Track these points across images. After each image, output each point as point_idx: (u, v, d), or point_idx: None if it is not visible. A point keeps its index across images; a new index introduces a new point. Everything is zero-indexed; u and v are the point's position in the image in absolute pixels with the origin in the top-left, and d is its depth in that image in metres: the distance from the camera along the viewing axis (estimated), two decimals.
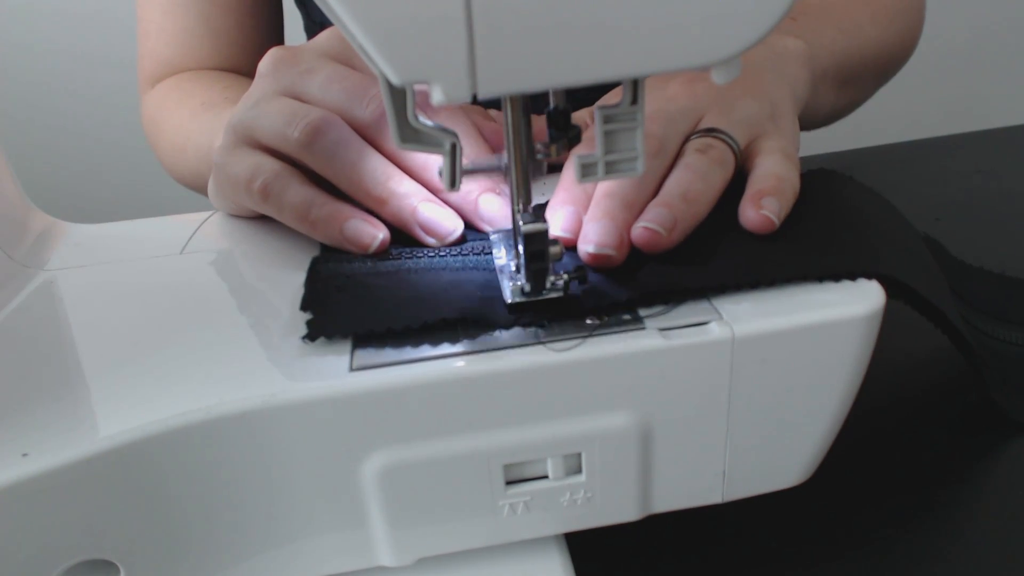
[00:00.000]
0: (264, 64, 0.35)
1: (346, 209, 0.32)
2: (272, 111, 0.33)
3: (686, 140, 0.34)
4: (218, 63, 0.63)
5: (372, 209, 0.33)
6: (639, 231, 0.29)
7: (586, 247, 0.29)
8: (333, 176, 0.32)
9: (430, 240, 0.32)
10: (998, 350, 0.41)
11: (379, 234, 0.32)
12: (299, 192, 0.32)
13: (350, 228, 0.32)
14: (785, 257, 0.29)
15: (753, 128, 0.35)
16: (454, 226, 0.32)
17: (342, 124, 0.32)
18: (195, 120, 0.55)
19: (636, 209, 0.30)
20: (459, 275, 0.30)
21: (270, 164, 0.33)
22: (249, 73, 0.63)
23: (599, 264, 0.29)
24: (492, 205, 0.33)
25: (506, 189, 0.33)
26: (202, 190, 0.56)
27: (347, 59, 0.34)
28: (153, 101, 0.62)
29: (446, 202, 0.33)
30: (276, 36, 0.67)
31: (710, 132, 0.34)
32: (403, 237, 0.33)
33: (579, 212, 0.31)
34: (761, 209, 0.30)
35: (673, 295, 0.28)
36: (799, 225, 0.31)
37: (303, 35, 0.76)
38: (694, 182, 0.31)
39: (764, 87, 0.37)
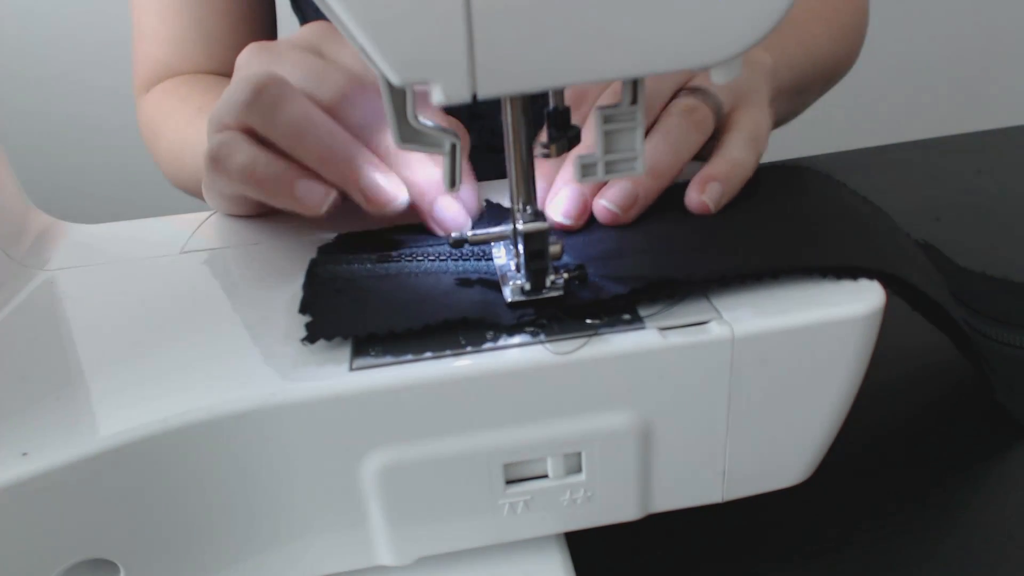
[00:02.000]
0: (240, 59, 0.35)
1: (294, 169, 0.32)
2: (231, 90, 0.33)
3: (675, 95, 0.34)
4: (212, 66, 0.63)
5: (315, 169, 0.32)
6: (600, 209, 0.32)
7: (552, 215, 0.31)
8: (277, 135, 0.32)
9: (369, 208, 0.32)
10: (1001, 353, 0.41)
11: (331, 193, 0.31)
12: (246, 152, 0.32)
13: (301, 187, 0.31)
14: (787, 251, 0.29)
15: (739, 95, 0.35)
16: (396, 193, 0.32)
17: (285, 83, 0.32)
18: (191, 126, 0.55)
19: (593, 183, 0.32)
20: (459, 278, 0.30)
21: (226, 134, 0.32)
22: None
23: (562, 229, 0.32)
24: (448, 210, 0.33)
25: (465, 194, 0.34)
26: (201, 194, 0.56)
27: (317, 49, 0.34)
28: (149, 106, 0.62)
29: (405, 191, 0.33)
30: (270, 39, 0.67)
31: (698, 91, 0.34)
32: (400, 242, 0.33)
33: (548, 188, 0.33)
34: (703, 194, 0.32)
35: (675, 287, 0.28)
36: (798, 220, 0.31)
37: None
38: (665, 154, 0.32)
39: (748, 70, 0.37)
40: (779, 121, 0.57)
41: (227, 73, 0.63)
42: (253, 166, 0.31)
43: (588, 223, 0.33)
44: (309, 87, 0.32)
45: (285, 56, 0.34)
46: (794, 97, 0.54)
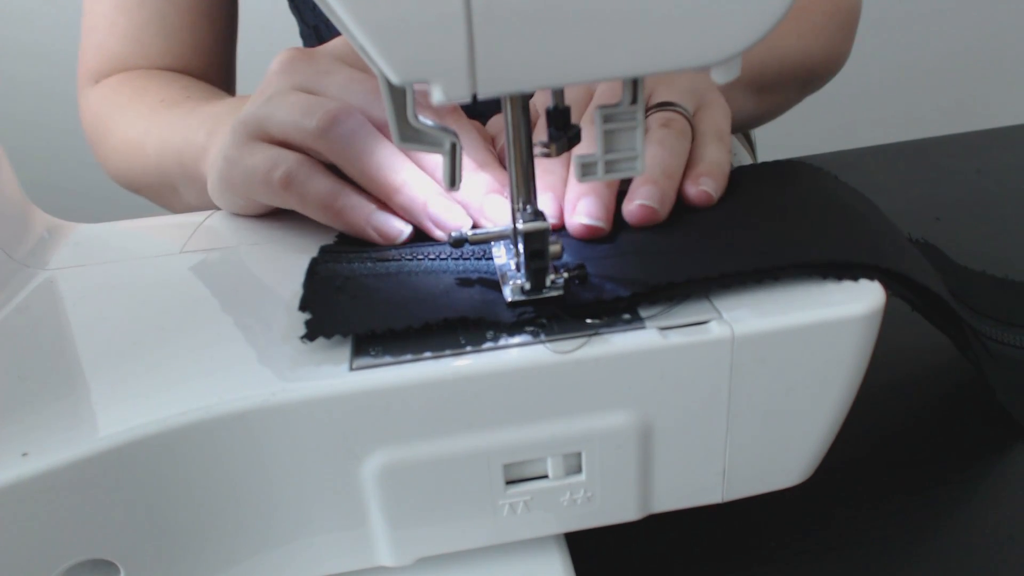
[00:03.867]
0: (277, 63, 0.35)
1: (372, 202, 0.33)
2: (288, 103, 0.33)
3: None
4: (169, 63, 0.61)
5: (383, 197, 0.33)
6: (636, 208, 0.32)
7: (579, 219, 0.31)
8: (346, 163, 0.33)
9: (438, 233, 0.33)
10: (1001, 353, 0.41)
11: (406, 229, 0.33)
12: (324, 182, 0.33)
13: (378, 219, 0.33)
14: (785, 249, 0.29)
15: (697, 96, 0.37)
16: (462, 221, 0.33)
17: (358, 114, 0.33)
18: (156, 116, 0.53)
19: (614, 185, 0.33)
20: (459, 277, 0.30)
21: (290, 154, 0.33)
22: (199, 74, 0.62)
23: (590, 235, 0.31)
24: (497, 208, 0.33)
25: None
26: (154, 188, 0.54)
27: (361, 64, 0.35)
28: (99, 97, 0.60)
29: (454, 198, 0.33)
30: (229, 40, 0.66)
31: (665, 106, 0.35)
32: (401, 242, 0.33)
33: (558, 198, 0.33)
34: (700, 186, 0.33)
35: (675, 288, 0.28)
36: (795, 217, 0.31)
37: (299, 40, 0.76)
38: (668, 158, 0.33)
39: None
40: (749, 120, 0.57)
41: (182, 70, 0.62)
42: (334, 197, 0.33)
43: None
44: (369, 108, 0.33)
45: (334, 72, 0.34)
46: (759, 94, 0.54)
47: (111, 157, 0.58)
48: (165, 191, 0.53)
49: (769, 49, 0.54)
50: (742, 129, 0.59)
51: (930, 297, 0.33)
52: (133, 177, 0.56)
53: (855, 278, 0.28)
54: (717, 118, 0.36)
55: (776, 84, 0.56)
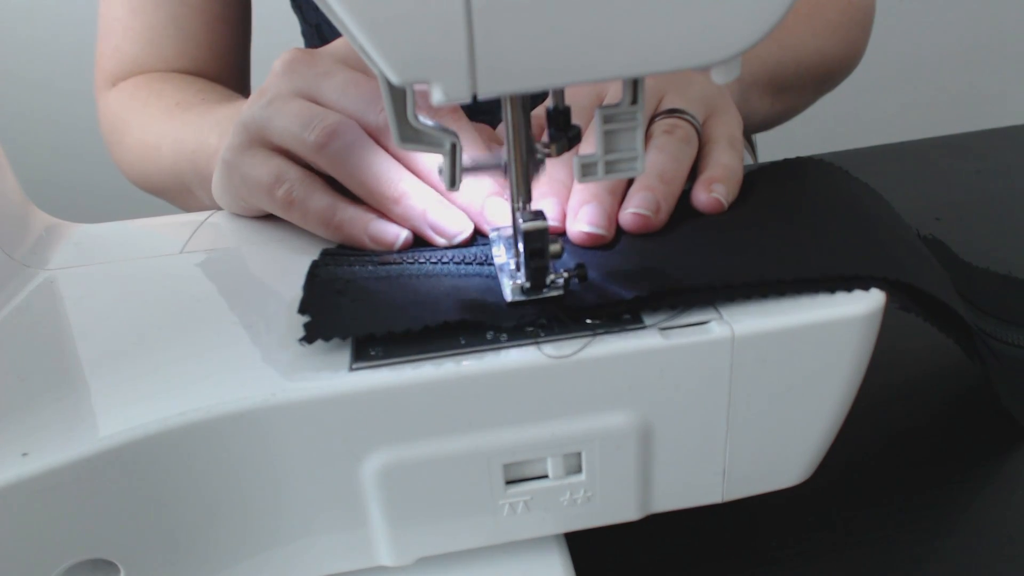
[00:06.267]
0: (279, 63, 0.36)
1: (369, 212, 0.33)
2: (288, 112, 0.33)
3: (651, 121, 0.35)
4: (184, 65, 0.62)
5: (383, 209, 0.33)
6: (629, 216, 0.31)
7: (580, 227, 0.31)
8: (345, 176, 0.33)
9: (439, 240, 0.33)
10: (1003, 352, 0.41)
11: (402, 233, 0.33)
12: (323, 199, 0.33)
13: (375, 227, 0.33)
14: (793, 262, 0.29)
15: (709, 104, 0.37)
16: (463, 227, 0.33)
17: (357, 128, 0.33)
18: (171, 119, 0.54)
19: (618, 192, 0.32)
20: (459, 281, 0.30)
21: (293, 171, 0.33)
22: (214, 77, 0.63)
23: (592, 243, 0.31)
24: (498, 210, 0.33)
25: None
26: (171, 191, 0.55)
27: (363, 66, 0.35)
28: (116, 99, 0.61)
29: (453, 203, 0.33)
30: (243, 42, 0.67)
31: (673, 112, 0.35)
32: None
33: (562, 202, 0.33)
34: (712, 192, 0.32)
35: (678, 296, 0.28)
36: (803, 222, 0.31)
37: (300, 39, 0.76)
38: (668, 163, 0.33)
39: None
40: (766, 121, 0.57)
41: (198, 72, 0.63)
42: (332, 212, 0.33)
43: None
44: (363, 111, 0.33)
45: (333, 74, 0.34)
46: (777, 95, 0.54)
47: (128, 159, 0.59)
48: (181, 192, 0.53)
49: (784, 49, 0.54)
50: (759, 131, 0.59)
51: (938, 306, 0.33)
52: (149, 178, 0.57)
53: (866, 287, 0.28)
54: (729, 124, 0.37)
55: (793, 84, 0.55)
